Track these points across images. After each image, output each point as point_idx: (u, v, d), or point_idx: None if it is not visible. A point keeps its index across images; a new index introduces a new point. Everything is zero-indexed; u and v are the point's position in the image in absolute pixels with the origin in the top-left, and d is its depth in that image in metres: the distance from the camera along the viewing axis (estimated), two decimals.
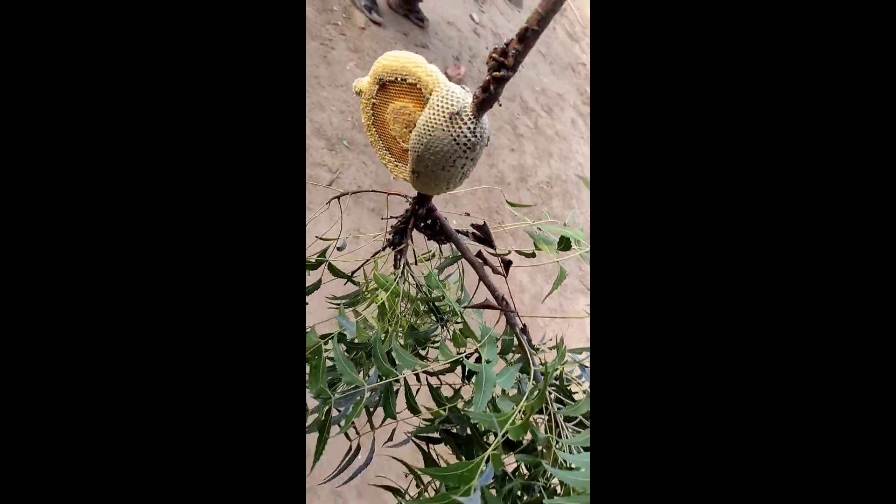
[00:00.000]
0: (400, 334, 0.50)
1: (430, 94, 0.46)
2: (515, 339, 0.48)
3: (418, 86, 0.47)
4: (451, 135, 0.45)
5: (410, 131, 0.49)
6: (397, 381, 0.42)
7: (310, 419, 0.42)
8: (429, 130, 0.46)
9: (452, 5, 3.05)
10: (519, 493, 0.42)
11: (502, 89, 0.44)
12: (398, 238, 0.59)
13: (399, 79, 0.48)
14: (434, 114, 0.46)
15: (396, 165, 0.53)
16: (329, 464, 0.48)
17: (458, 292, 0.60)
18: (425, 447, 0.49)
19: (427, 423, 0.48)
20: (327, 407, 0.40)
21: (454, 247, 0.56)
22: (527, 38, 0.40)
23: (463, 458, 0.47)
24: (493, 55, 0.41)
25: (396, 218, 0.59)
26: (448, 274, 0.62)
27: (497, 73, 0.42)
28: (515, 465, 0.43)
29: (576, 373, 0.52)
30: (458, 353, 0.44)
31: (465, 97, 0.46)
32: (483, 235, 0.57)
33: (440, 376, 0.48)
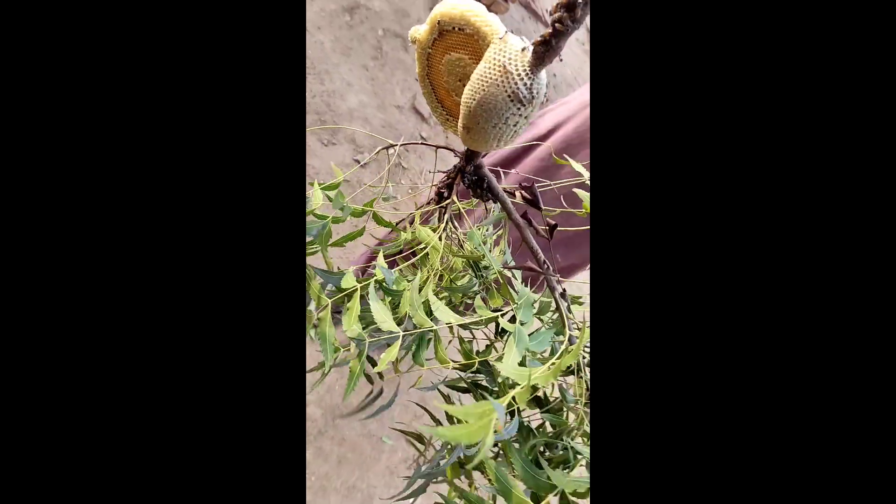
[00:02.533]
0: (437, 287, 0.51)
1: (488, 45, 0.45)
2: (553, 303, 0.48)
3: (475, 37, 0.46)
4: (505, 90, 0.44)
5: (463, 83, 0.48)
6: (430, 331, 0.43)
7: (342, 356, 0.44)
8: (482, 84, 0.44)
9: None
10: (542, 449, 0.43)
11: (564, 43, 0.42)
12: (445, 193, 0.59)
13: (457, 28, 0.47)
14: (489, 67, 0.44)
15: (448, 119, 0.52)
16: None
17: (500, 253, 0.60)
18: (449, 399, 0.51)
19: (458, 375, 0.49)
20: (360, 349, 0.41)
21: (499, 207, 0.56)
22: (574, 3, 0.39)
23: None
24: (562, 4, 0.39)
25: (444, 172, 0.59)
26: (492, 233, 0.62)
27: (559, 24, 0.40)
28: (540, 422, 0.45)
29: None
30: (494, 312, 0.45)
31: (522, 50, 0.44)
32: (531, 197, 0.56)
33: (472, 330, 0.49)
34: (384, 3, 2.35)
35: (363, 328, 0.43)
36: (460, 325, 0.43)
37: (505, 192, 0.57)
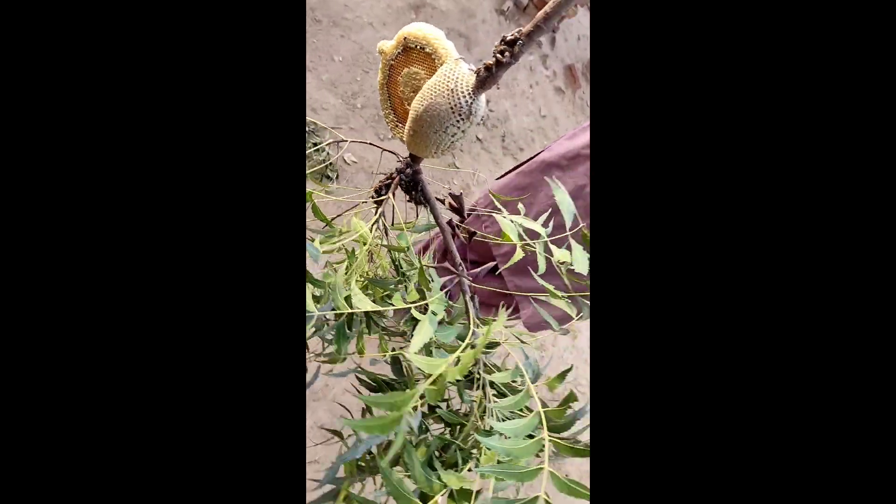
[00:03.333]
0: (359, 279, 0.55)
1: (441, 65, 0.52)
2: (464, 307, 0.53)
3: (433, 56, 0.53)
4: (449, 102, 0.51)
5: (413, 92, 0.55)
6: (350, 322, 0.48)
7: None
8: (431, 94, 0.51)
9: None
10: (437, 452, 0.46)
11: (503, 74, 0.50)
12: (383, 192, 0.65)
13: (419, 47, 0.54)
14: (439, 80, 0.51)
15: (397, 125, 0.60)
16: None
17: (428, 258, 0.65)
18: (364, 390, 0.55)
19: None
20: None
21: (429, 210, 0.61)
22: (532, 33, 0.46)
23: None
24: (504, 42, 0.48)
25: (384, 174, 0.66)
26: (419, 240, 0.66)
27: (501, 56, 0.48)
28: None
29: (520, 357, 0.55)
30: (409, 304, 0.49)
31: (469, 73, 0.52)
32: (457, 206, 0.63)
33: (390, 332, 0.53)
34: (451, 2, 2.40)
35: None
36: (378, 320, 0.47)
37: (436, 199, 0.63)
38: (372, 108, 2.04)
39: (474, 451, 0.47)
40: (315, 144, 1.83)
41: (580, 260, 0.55)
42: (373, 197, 0.65)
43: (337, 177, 1.86)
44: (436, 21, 2.31)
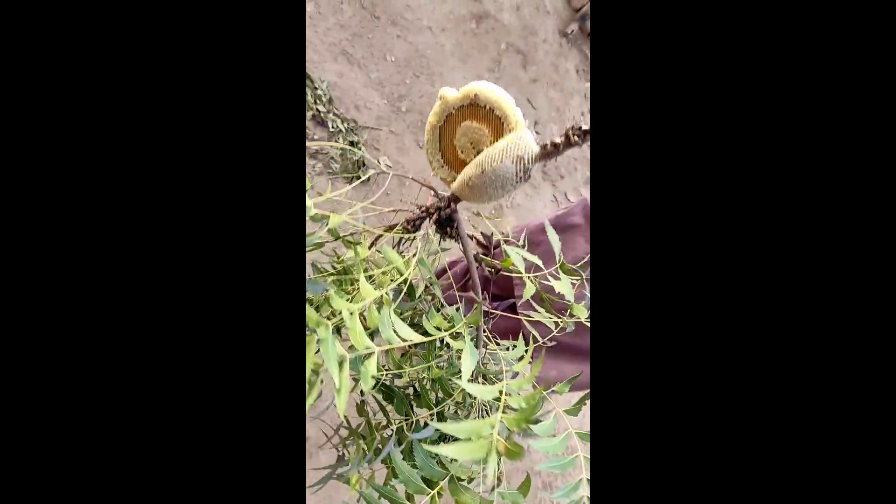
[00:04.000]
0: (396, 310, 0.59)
1: (511, 131, 0.55)
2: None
3: (502, 120, 0.55)
4: (517, 167, 0.55)
5: (474, 147, 0.58)
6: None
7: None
8: (501, 157, 0.55)
9: None
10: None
11: (566, 151, 0.53)
12: (418, 223, 0.68)
13: (488, 107, 0.56)
14: (510, 146, 0.54)
15: (443, 167, 0.62)
16: None
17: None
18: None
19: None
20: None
21: (461, 245, 0.66)
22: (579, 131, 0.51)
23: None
24: (572, 131, 0.51)
25: (419, 206, 0.68)
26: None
27: (572, 138, 0.51)
28: None
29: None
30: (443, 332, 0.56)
31: (535, 144, 0.56)
32: (485, 244, 0.71)
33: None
34: (514, 17, 2.36)
35: None
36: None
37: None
38: (416, 114, 2.01)
39: None
40: (352, 143, 1.80)
41: (565, 287, 0.65)
42: (407, 229, 0.68)
43: (368, 179, 1.83)
44: (496, 34, 2.27)
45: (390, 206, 1.84)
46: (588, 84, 2.60)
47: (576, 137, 0.50)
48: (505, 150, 0.54)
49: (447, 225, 0.66)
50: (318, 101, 1.76)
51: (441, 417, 0.66)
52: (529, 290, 0.66)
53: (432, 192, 0.68)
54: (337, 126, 1.78)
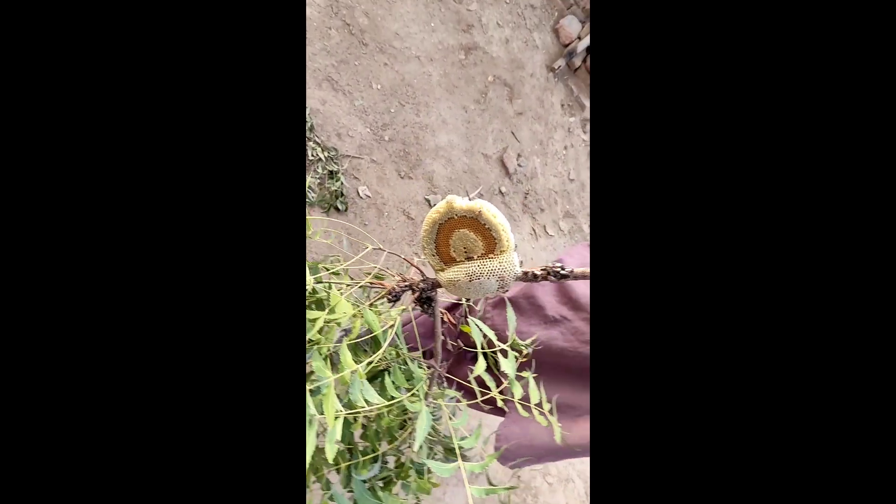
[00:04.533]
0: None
1: (500, 253, 0.65)
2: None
3: (495, 239, 0.64)
4: (498, 283, 0.66)
5: (466, 252, 0.67)
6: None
7: None
8: (486, 274, 0.66)
9: None
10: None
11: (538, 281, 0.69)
12: (400, 294, 0.77)
13: (487, 226, 0.63)
14: (495, 267, 0.66)
15: (434, 256, 0.70)
16: None
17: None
18: None
19: None
20: None
21: (433, 319, 0.79)
22: (559, 274, 0.67)
23: None
24: (552, 269, 0.66)
25: (406, 281, 0.77)
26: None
27: (546, 276, 0.67)
28: None
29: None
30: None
31: (518, 265, 0.67)
32: (454, 321, 0.87)
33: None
34: (503, 50, 2.37)
35: None
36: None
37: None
38: (399, 143, 2.00)
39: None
40: (332, 173, 1.79)
41: (509, 366, 0.75)
42: (389, 298, 0.76)
43: (346, 209, 1.81)
44: (484, 66, 2.28)
45: (369, 234, 1.84)
46: (574, 118, 2.63)
47: (552, 276, 0.64)
48: (492, 271, 0.65)
49: (426, 302, 0.77)
50: None
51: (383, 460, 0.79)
52: (480, 366, 0.75)
53: (420, 273, 0.78)
54: (317, 154, 1.76)
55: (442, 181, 2.10)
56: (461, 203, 0.62)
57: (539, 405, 0.78)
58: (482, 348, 0.77)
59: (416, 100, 2.09)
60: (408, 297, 0.77)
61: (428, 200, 2.04)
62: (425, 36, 2.15)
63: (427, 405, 0.69)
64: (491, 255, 0.66)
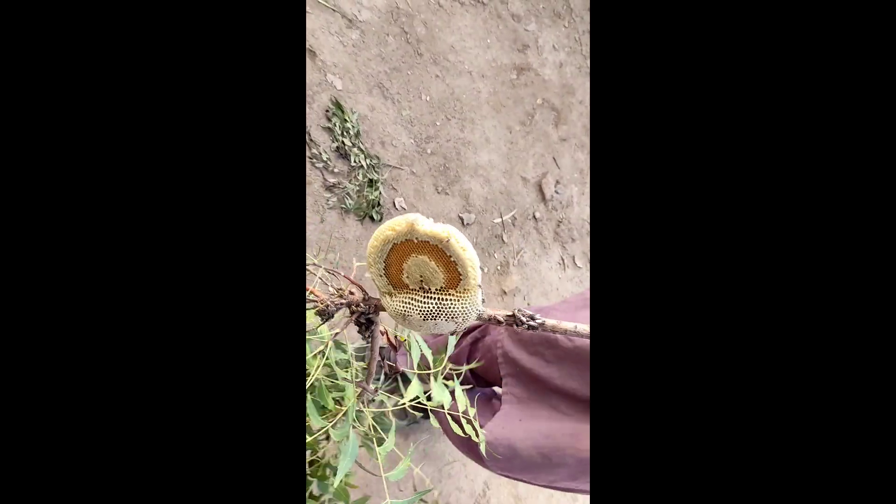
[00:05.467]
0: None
1: (463, 292, 0.57)
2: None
3: (461, 275, 0.55)
4: (456, 326, 0.58)
5: (422, 282, 0.57)
6: None
7: None
8: (445, 315, 0.57)
9: None
10: None
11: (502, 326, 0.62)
12: (334, 312, 0.68)
13: (453, 259, 0.54)
14: (457, 309, 0.57)
15: (381, 276, 0.59)
16: None
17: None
18: None
19: None
20: None
21: (369, 345, 0.72)
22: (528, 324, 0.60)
23: None
24: (521, 316, 0.59)
25: (343, 298, 0.67)
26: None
27: (511, 322, 0.60)
28: None
29: None
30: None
31: (478, 310, 0.59)
32: (394, 344, 0.88)
33: None
34: (555, 74, 2.38)
35: None
36: None
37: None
38: (440, 158, 2.04)
39: None
40: (372, 182, 1.83)
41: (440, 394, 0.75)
42: (321, 313, 0.67)
43: (381, 219, 1.86)
44: (534, 88, 2.30)
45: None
46: None
47: (517, 325, 0.57)
48: (452, 313, 0.57)
49: (364, 325, 0.69)
50: (345, 133, 1.80)
51: None
52: (413, 388, 0.75)
53: (361, 291, 0.68)
54: (359, 161, 1.82)
55: (478, 200, 2.13)
56: (426, 226, 0.53)
57: (465, 413, 0.77)
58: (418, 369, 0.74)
59: (463, 115, 2.13)
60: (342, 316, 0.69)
61: (461, 219, 2.07)
62: (480, 52, 2.18)
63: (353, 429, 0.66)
64: (452, 292, 0.56)
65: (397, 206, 1.93)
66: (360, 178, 1.82)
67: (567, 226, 2.35)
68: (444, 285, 0.56)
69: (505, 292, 2.14)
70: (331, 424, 0.62)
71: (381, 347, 0.81)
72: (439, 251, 0.54)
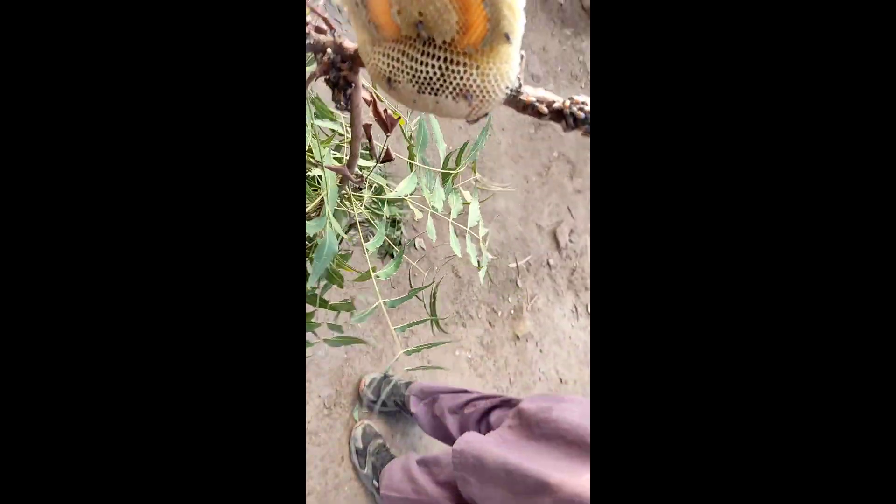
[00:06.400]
0: None
1: (489, 52, 0.36)
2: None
3: (489, 19, 0.34)
4: (467, 110, 0.39)
5: (423, 27, 0.35)
6: None
7: None
8: (454, 88, 0.37)
9: None
10: None
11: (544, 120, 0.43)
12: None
13: None
14: (475, 80, 0.37)
15: (359, 13, 0.38)
16: None
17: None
18: None
19: None
20: None
21: (350, 117, 0.53)
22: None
23: None
24: (574, 105, 0.40)
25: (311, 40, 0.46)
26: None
27: (577, 110, 0.41)
28: None
29: None
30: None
31: (511, 83, 0.40)
32: (385, 120, 0.61)
33: None
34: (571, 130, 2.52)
35: None
36: None
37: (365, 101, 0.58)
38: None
39: None
40: (394, 221, 1.86)
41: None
42: (316, 71, 0.48)
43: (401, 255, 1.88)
44: (551, 142, 2.41)
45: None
46: None
47: (567, 119, 0.38)
48: (462, 87, 0.36)
49: (340, 88, 0.48)
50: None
51: None
52: (407, 183, 0.72)
53: (332, 32, 0.46)
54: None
55: (494, 244, 2.17)
56: None
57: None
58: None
59: (482, 164, 2.23)
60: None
61: (478, 263, 2.09)
62: (501, 108, 2.32)
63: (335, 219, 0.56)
64: (469, 49, 0.35)
65: (417, 246, 1.97)
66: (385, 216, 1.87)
67: (581, 274, 2.36)
68: (458, 32, 0.34)
69: (518, 337, 2.11)
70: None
71: (365, 125, 0.57)
72: None
